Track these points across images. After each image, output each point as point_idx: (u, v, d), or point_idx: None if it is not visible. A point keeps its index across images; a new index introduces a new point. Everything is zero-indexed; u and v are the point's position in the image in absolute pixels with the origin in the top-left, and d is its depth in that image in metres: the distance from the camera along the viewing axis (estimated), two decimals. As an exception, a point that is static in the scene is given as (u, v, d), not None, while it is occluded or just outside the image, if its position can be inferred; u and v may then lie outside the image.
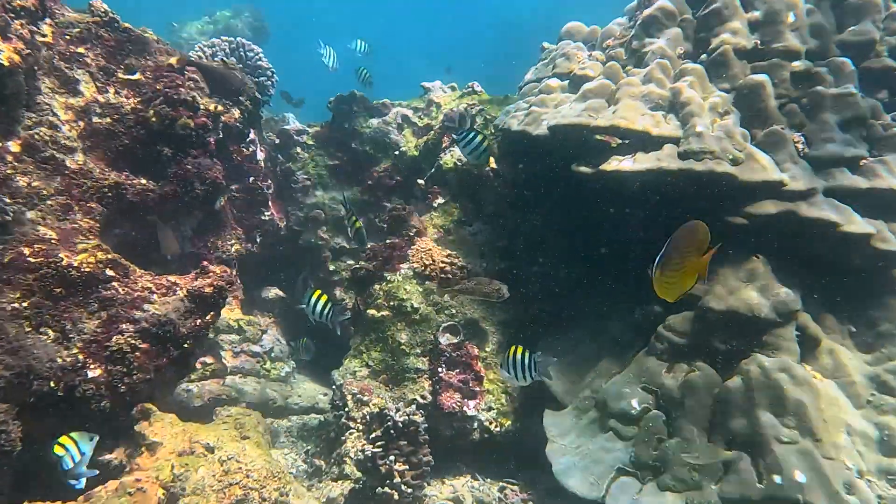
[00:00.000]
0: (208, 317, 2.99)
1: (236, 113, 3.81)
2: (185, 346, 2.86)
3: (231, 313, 4.95)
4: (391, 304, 4.34)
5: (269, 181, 5.68)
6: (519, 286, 4.55)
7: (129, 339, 2.66)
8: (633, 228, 4.20)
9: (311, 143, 5.91)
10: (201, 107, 3.60)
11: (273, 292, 5.89)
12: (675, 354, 3.50)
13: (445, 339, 4.19)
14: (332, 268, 5.83)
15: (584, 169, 3.86)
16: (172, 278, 3.04)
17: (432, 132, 5.57)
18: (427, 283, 4.45)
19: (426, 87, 6.02)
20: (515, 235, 4.80)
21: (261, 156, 5.48)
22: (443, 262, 4.50)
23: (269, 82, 5.22)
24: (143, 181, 3.43)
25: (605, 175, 3.72)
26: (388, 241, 4.63)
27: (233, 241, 4.21)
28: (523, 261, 4.68)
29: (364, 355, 4.30)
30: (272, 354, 5.47)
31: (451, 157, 5.06)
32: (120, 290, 2.74)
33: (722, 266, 3.47)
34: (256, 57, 5.04)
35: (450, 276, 4.45)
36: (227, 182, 5.19)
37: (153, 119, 3.41)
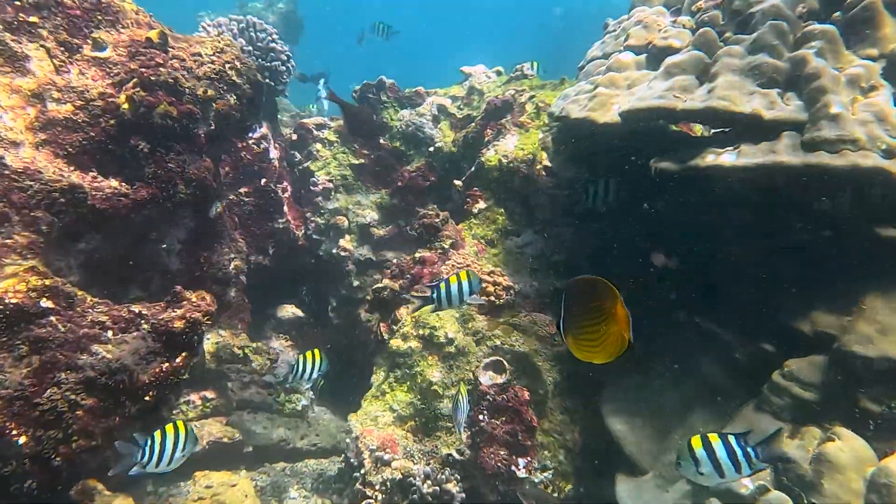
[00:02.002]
0: (178, 360, 2.37)
1: (231, 99, 3.20)
2: (147, 398, 2.24)
3: (236, 339, 4.37)
4: (421, 332, 3.65)
5: (285, 183, 5.11)
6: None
7: (67, 393, 2.06)
8: (730, 240, 3.38)
9: (332, 138, 5.30)
10: (186, 91, 3.01)
11: (289, 311, 5.31)
12: (800, 413, 2.68)
13: (488, 379, 3.47)
14: (356, 283, 5.20)
15: (667, 166, 3.07)
16: (137, 308, 2.43)
17: (473, 124, 4.87)
18: (465, 307, 3.74)
19: (467, 73, 5.33)
20: (574, 248, 4.04)
21: (274, 154, 4.91)
22: (484, 280, 3.79)
23: (284, 68, 4.64)
24: (114, 183, 2.86)
25: (696, 173, 2.94)
26: (417, 254, 3.95)
27: (232, 256, 3.62)
28: (585, 279, 3.90)
29: (388, 396, 3.62)
30: (286, 385, 4.88)
31: (496, 152, 4.35)
32: (60, 326, 2.14)
33: (869, 295, 2.62)
34: (269, 38, 4.48)
35: (493, 298, 3.73)
36: (234, 183, 4.64)
37: (126, 106, 2.84)
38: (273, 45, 4.53)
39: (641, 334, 3.68)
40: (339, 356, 5.04)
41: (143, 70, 2.88)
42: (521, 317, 3.79)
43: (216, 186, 3.30)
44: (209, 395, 4.27)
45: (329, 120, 5.31)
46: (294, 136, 5.30)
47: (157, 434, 2.05)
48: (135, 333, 2.35)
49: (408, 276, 3.87)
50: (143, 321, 2.44)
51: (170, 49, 3.07)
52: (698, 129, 4.54)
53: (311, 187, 5.25)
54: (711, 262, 3.48)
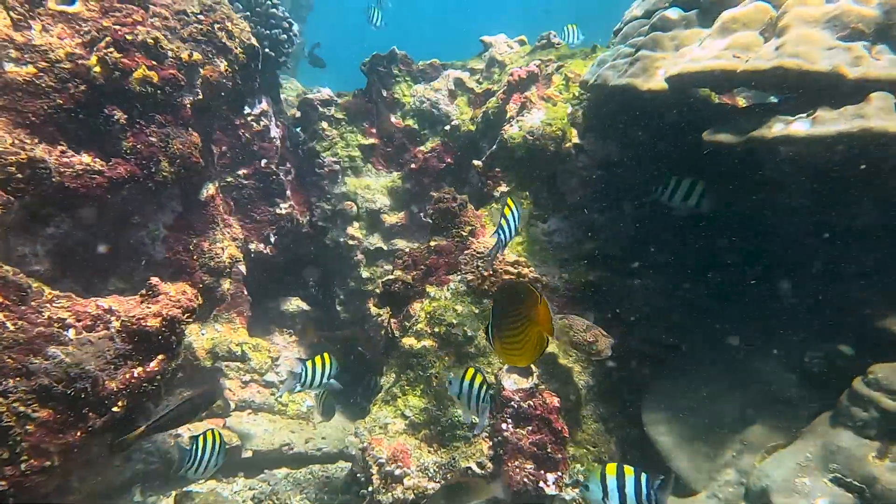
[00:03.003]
0: (153, 364, 2.05)
1: (221, 64, 2.86)
2: (116, 409, 1.92)
3: (234, 334, 4.07)
4: (436, 330, 3.31)
5: (288, 165, 4.78)
6: (615, 305, 3.43)
7: (16, 404, 1.74)
8: (796, 224, 2.99)
9: (340, 116, 4.95)
10: (169, 53, 2.68)
11: (294, 304, 5.00)
12: (889, 428, 2.29)
13: (512, 383, 3.12)
14: (365, 274, 4.87)
15: (725, 138, 2.68)
16: (107, 303, 2.12)
17: (494, 99, 4.48)
18: (486, 301, 3.39)
19: (486, 43, 4.93)
20: (609, 235, 3.66)
21: (276, 132, 4.58)
22: (507, 272, 3.43)
23: (286, 36, 4.29)
24: (86, 159, 2.55)
25: (759, 146, 2.54)
26: (432, 242, 3.60)
27: (226, 243, 3.30)
28: (621, 270, 3.54)
29: (399, 401, 3.29)
30: (279, 389, 4.57)
31: (520, 129, 3.96)
32: (8, 324, 1.83)
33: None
34: (268, 3, 4.13)
35: (518, 291, 3.36)
36: (231, 164, 4.32)
37: (98, 69, 2.51)
38: (273, 10, 4.18)
39: (686, 332, 3.31)
40: (346, 355, 4.73)
41: (117, 28, 2.55)
42: (548, 312, 3.43)
43: (205, 165, 2.97)
44: (204, 395, 3.97)
45: (336, 96, 4.96)
46: (297, 114, 4.96)
47: (200, 440, 2.32)
48: (102, 333, 2.04)
49: (422, 267, 3.52)
50: (113, 318, 2.12)
51: (150, 5, 2.74)
52: (741, 102, 4.12)
53: (317, 170, 4.92)
54: (771, 251, 3.08)
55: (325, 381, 2.74)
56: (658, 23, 3.11)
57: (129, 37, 2.56)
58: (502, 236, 2.76)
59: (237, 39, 2.98)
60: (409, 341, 3.34)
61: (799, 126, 2.42)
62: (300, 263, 5.02)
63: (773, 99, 3.14)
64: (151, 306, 2.10)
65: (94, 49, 2.53)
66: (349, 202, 4.90)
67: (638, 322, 3.37)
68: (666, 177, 3.12)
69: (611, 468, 1.94)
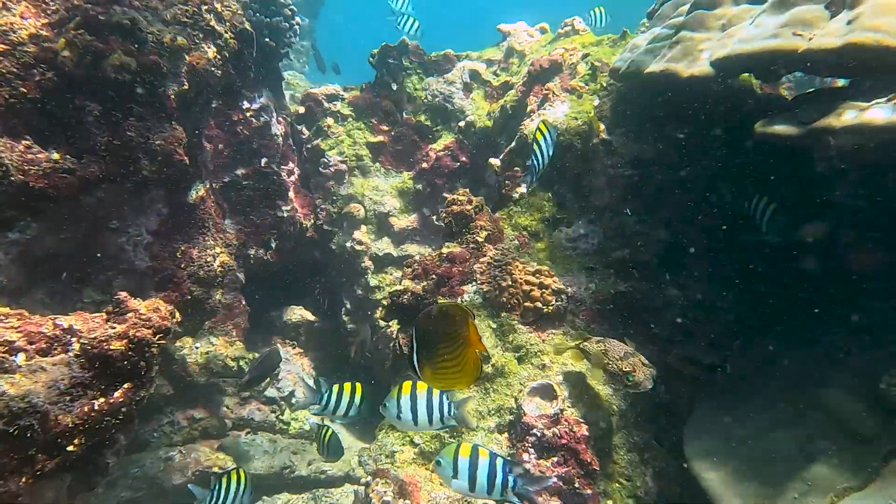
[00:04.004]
0: (117, 394, 1.78)
1: (209, 51, 2.59)
2: (72, 448, 1.65)
3: (230, 348, 3.80)
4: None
5: (290, 164, 4.51)
6: (649, 320, 3.10)
7: (-54, 444, 1.47)
8: (863, 228, 2.65)
9: (346, 111, 4.68)
10: (149, 37, 2.41)
11: (297, 314, 4.74)
12: None
13: (535, 408, 2.81)
14: (373, 282, 4.59)
15: (783, 130, 2.36)
16: (67, 321, 1.85)
17: (513, 92, 4.18)
18: (504, 315, 3.08)
19: (504, 31, 4.63)
20: (641, 241, 3.33)
21: (278, 129, 4.31)
22: (528, 282, 3.13)
23: (287, 24, 4.02)
24: (55, 156, 2.29)
25: (830, 137, 2.21)
26: (444, 249, 3.30)
27: (218, 250, 3.03)
28: (655, 280, 3.21)
29: (407, 426, 2.98)
30: (293, 401, 4.31)
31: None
32: (-59, 349, 1.55)
33: None
34: (268, -11, 3.88)
35: (540, 304, 3.06)
36: (229, 163, 4.06)
37: (67, 54, 2.25)
38: (274, -3, 3.92)
39: (731, 351, 2.97)
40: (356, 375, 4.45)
41: (90, 7, 2.29)
42: (576, 325, 3.12)
43: (193, 163, 2.70)
44: (198, 413, 3.72)
45: (342, 90, 4.69)
46: (301, 110, 4.70)
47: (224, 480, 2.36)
48: (58, 358, 1.76)
49: (433, 276, 3.22)
50: (74, 340, 1.84)
51: (129, -16, 2.48)
52: (783, 91, 3.78)
53: (322, 169, 4.65)
54: (831, 261, 2.74)
55: (350, 413, 2.46)
56: (702, 1, 2.78)
57: (102, 17, 2.30)
58: (535, 162, 2.57)
59: (227, 23, 2.72)
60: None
61: (878, 113, 2.09)
62: (303, 270, 4.75)
63: (841, 82, 2.81)
64: (116, 326, 1.82)
65: (63, 30, 2.28)
66: (356, 204, 4.62)
67: (675, 338, 3.04)
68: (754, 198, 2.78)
69: (464, 448, 1.94)
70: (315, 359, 4.76)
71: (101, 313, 1.96)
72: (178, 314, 2.15)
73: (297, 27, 4.18)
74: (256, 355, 3.90)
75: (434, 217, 4.63)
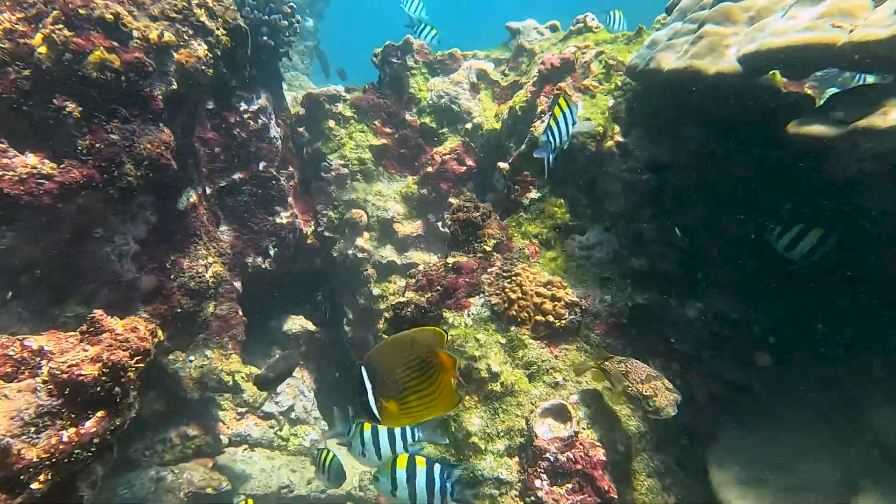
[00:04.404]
0: (90, 423, 1.62)
1: (199, 48, 2.44)
2: (36, 485, 1.49)
3: (226, 361, 3.65)
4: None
5: (290, 168, 4.36)
6: (669, 334, 2.92)
7: None
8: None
9: (349, 113, 4.53)
10: (134, 33, 2.26)
11: (297, 323, 4.58)
12: None
13: (547, 430, 2.63)
14: (376, 291, 4.42)
15: (818, 130, 2.18)
16: (38, 342, 1.70)
17: (522, 92, 4.01)
18: (514, 329, 2.91)
19: (513, 29, 4.47)
20: (660, 250, 3.15)
21: (277, 132, 4.17)
22: (539, 294, 2.95)
23: (287, 22, 3.87)
24: (32, 160, 2.14)
25: (869, 138, 2.04)
26: (450, 259, 3.13)
27: (210, 260, 2.88)
28: (676, 292, 3.03)
29: (410, 448, 2.81)
30: (292, 415, 4.15)
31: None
32: None
33: None
34: (266, -14, 3.73)
35: (552, 318, 2.89)
36: (225, 168, 3.91)
37: (43, 50, 2.11)
38: (272, -7, 3.77)
39: (760, 370, 2.78)
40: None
41: (69, 0, 2.14)
42: (590, 341, 2.94)
43: (184, 168, 2.55)
44: (191, 431, 3.56)
45: (344, 91, 4.54)
46: (301, 111, 4.55)
47: None
48: (24, 384, 1.60)
49: (438, 287, 3.05)
50: (44, 363, 1.69)
51: (113, -23, 2.33)
52: (808, 90, 3.60)
53: (323, 174, 4.49)
54: (873, 270, 2.55)
55: (411, 442, 2.28)
56: (727, -8, 2.61)
57: (82, 11, 2.16)
58: (550, 137, 2.41)
59: (220, 19, 2.57)
60: (423, 376, 2.87)
61: (928, 113, 1.90)
62: (304, 278, 4.59)
63: (872, 79, 2.63)
64: (90, 348, 1.66)
65: (40, 25, 2.13)
66: (358, 210, 4.47)
67: (699, 355, 2.85)
68: (781, 219, 2.60)
69: (401, 460, 1.92)
70: (316, 370, 4.61)
71: (76, 333, 1.81)
72: (160, 333, 1.99)
73: (296, 25, 4.04)
74: (254, 370, 3.75)
75: (439, 223, 4.47)
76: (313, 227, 4.51)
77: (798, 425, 2.46)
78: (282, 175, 4.22)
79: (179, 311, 2.75)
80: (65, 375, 1.61)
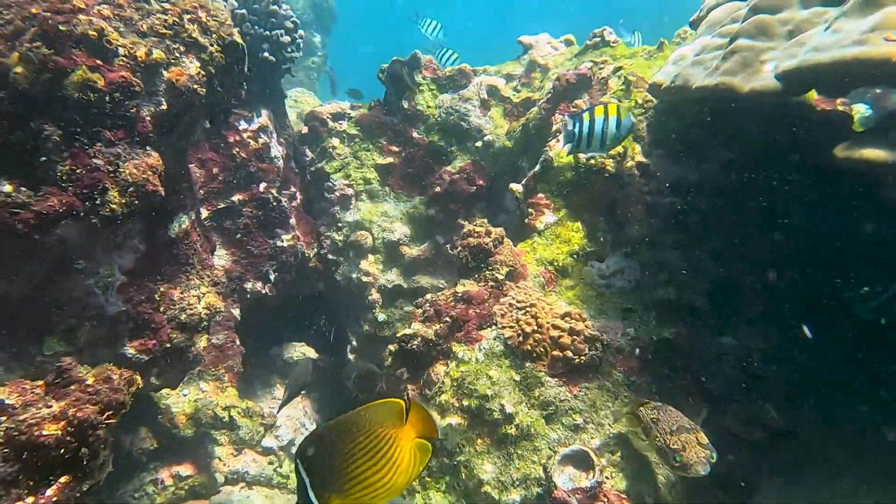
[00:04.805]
0: (51, 491, 1.45)
1: (192, 66, 2.28)
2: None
3: (222, 395, 3.45)
4: (465, 403, 2.63)
5: (292, 188, 4.20)
6: (699, 372, 2.71)
7: None
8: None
9: (353, 131, 4.37)
10: (120, 50, 2.10)
11: (299, 351, 4.38)
12: None
13: (567, 480, 2.42)
14: (381, 317, 4.23)
15: (873, 155, 1.98)
16: (1, 393, 1.50)
17: (535, 109, 3.84)
18: (529, 365, 2.70)
19: (526, 44, 4.31)
20: (687, 278, 2.94)
21: (278, 151, 4.01)
22: (556, 326, 2.75)
23: (289, 38, 3.73)
24: (7, 188, 1.98)
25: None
26: (459, 288, 2.93)
27: (204, 290, 2.70)
28: (706, 325, 2.82)
29: (419, 497, 2.61)
30: (293, 450, 3.93)
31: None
32: None
33: None
34: (269, 0, 3.59)
35: (570, 353, 2.68)
36: (224, 189, 3.75)
37: (19, 70, 1.95)
38: (274, 7, 3.62)
39: (803, 413, 2.56)
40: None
41: (49, 16, 1.99)
42: (613, 378, 2.73)
43: (177, 193, 2.38)
44: (184, 470, 3.36)
45: (349, 108, 4.38)
46: (304, 129, 4.39)
47: None
48: (-23, 445, 1.41)
49: (446, 319, 2.85)
50: (5, 419, 1.50)
51: (98, -10, 2.18)
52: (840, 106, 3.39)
53: (326, 194, 4.33)
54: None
55: None
56: (762, 3, 2.42)
57: (63, 27, 2.00)
58: (573, 126, 2.50)
59: (214, 35, 2.41)
60: (431, 418, 2.66)
61: None
62: (306, 303, 4.41)
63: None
64: (53, 404, 1.48)
65: (17, 43, 1.98)
66: (363, 232, 4.29)
67: (732, 396, 2.63)
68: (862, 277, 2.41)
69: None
70: (318, 400, 4.40)
71: (42, 381, 1.62)
72: (139, 379, 1.80)
73: (300, 41, 3.89)
74: (251, 404, 3.56)
75: (448, 246, 4.28)
76: (316, 250, 4.34)
77: (848, 480, 2.23)
78: (283, 196, 4.06)
79: (169, 346, 2.56)
80: (23, 437, 1.42)
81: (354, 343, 4.35)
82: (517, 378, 2.70)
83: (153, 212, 2.45)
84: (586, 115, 2.49)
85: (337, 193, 4.31)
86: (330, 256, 4.34)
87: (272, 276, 3.96)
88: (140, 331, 2.50)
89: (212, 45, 2.40)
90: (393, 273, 4.31)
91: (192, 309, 2.65)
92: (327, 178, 4.32)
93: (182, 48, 2.32)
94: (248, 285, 3.86)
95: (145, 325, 2.52)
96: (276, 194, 3.95)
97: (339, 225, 4.34)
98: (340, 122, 4.35)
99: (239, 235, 3.83)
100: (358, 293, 4.30)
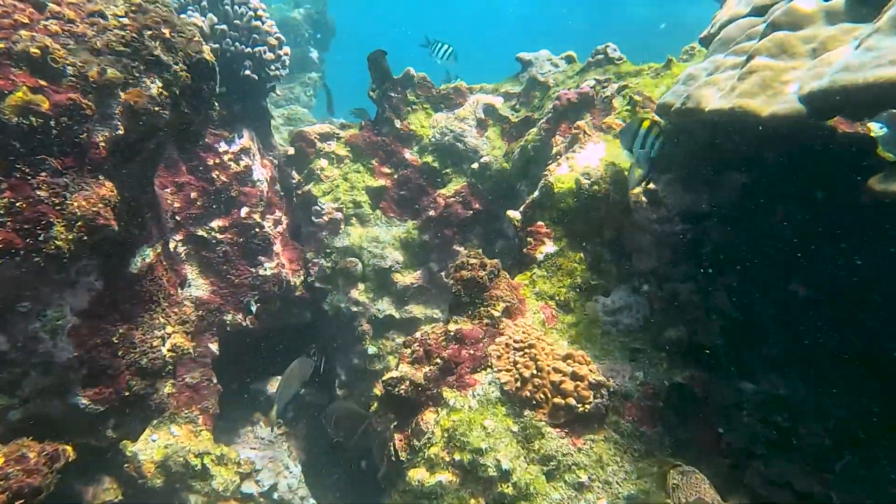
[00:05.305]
0: None
1: (153, 86, 2.07)
2: None
3: (195, 440, 3.20)
4: (457, 457, 2.38)
5: (277, 213, 3.98)
6: (717, 423, 2.45)
7: None
8: None
9: (343, 152, 4.17)
10: (68, 70, 1.90)
11: (282, 385, 4.13)
12: None
13: (569, 549, 2.15)
14: (372, 350, 3.99)
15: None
16: None
17: (535, 130, 3.63)
18: (528, 413, 2.46)
19: (525, 61, 4.11)
20: (700, 316, 2.70)
21: (262, 174, 3.80)
22: (558, 370, 2.51)
23: (273, 55, 3.53)
24: (-66, 224, 1.75)
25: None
26: (451, 325, 2.70)
27: (171, 329, 2.47)
28: (723, 369, 2.57)
29: (402, 564, 2.34)
30: (275, 496, 3.67)
31: (571, 170, 3.08)
32: None
33: None
34: (251, 15, 3.40)
35: (573, 401, 2.43)
36: (202, 215, 3.53)
37: (-51, 94, 1.73)
38: (257, 23, 3.43)
39: (840, 472, 2.28)
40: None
41: (-16, 33, 1.78)
42: (621, 429, 2.48)
43: (110, 226, 2.14)
44: (154, 521, 3.09)
45: (339, 128, 4.18)
46: (290, 151, 4.19)
47: None
48: None
49: (437, 360, 2.61)
50: None
51: (48, 2, 1.97)
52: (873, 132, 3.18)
53: (314, 218, 4.11)
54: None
55: None
56: (782, 19, 2.21)
57: (1, 44, 1.79)
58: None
59: (180, 52, 2.20)
60: (417, 473, 2.41)
61: None
62: (292, 334, 4.17)
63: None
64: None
65: (-54, 63, 1.77)
66: (353, 258, 4.06)
67: (754, 451, 2.37)
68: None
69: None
70: (305, 438, 4.14)
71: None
72: (70, 450, 1.57)
73: (285, 58, 3.70)
74: (226, 450, 3.31)
75: (443, 273, 4.05)
76: (303, 278, 4.11)
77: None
78: (267, 221, 3.84)
79: (128, 394, 2.33)
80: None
81: (343, 377, 4.11)
82: (515, 428, 2.45)
83: (111, 246, 2.22)
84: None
85: (325, 218, 4.09)
86: (318, 284, 4.11)
87: (254, 307, 3.72)
88: (95, 378, 2.27)
89: (176, 63, 2.19)
90: (384, 302, 4.07)
91: (154, 352, 2.41)
92: (315, 202, 4.11)
93: (142, 67, 2.11)
94: (228, 317, 3.63)
95: (101, 372, 2.28)
96: (258, 219, 3.73)
97: (328, 251, 4.12)
98: (329, 142, 4.15)
99: (218, 264, 3.61)
100: (347, 323, 4.07)
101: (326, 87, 9.08)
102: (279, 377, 4.20)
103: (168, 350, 2.47)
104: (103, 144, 2.05)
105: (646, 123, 2.42)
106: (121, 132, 2.09)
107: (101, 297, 2.29)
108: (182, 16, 2.33)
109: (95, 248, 2.15)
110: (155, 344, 2.42)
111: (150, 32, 2.13)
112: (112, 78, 2.00)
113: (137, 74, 2.09)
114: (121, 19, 2.10)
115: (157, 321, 2.48)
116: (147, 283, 2.46)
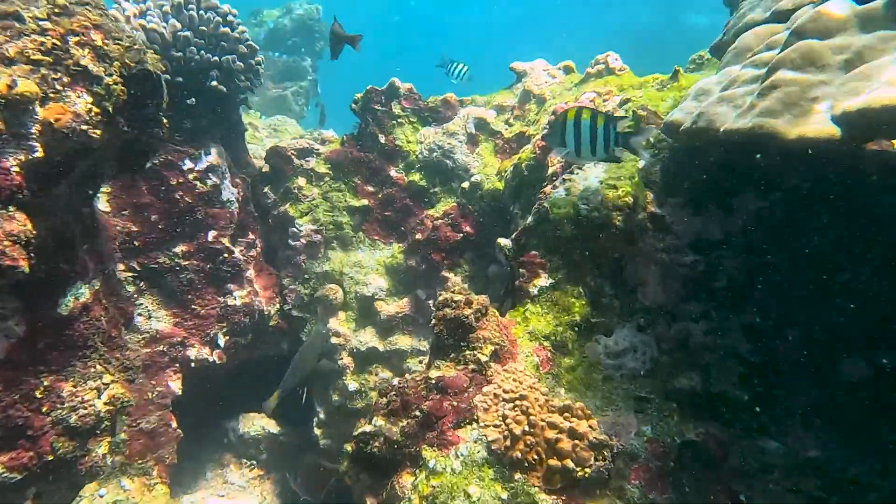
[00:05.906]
0: None
1: (80, 103, 1.79)
2: None
3: (148, 496, 2.88)
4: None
5: (251, 235, 3.68)
6: (739, 488, 2.14)
7: None
8: None
9: (323, 169, 3.88)
10: (-33, 85, 1.60)
11: (256, 425, 3.83)
12: None
13: None
14: (353, 385, 3.68)
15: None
16: None
17: (530, 147, 3.34)
18: (519, 477, 2.14)
19: (519, 71, 3.84)
20: (716, 360, 2.40)
21: (232, 194, 3.51)
22: (553, 425, 2.20)
23: (243, 64, 3.25)
24: None
25: None
26: (433, 372, 2.39)
27: (108, 379, 2.17)
28: (743, 424, 2.26)
29: None
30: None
31: (568, 192, 2.79)
32: None
33: None
34: (218, 20, 3.12)
35: (571, 463, 2.12)
36: (163, 239, 3.24)
37: None
38: (225, 29, 3.15)
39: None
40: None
41: None
42: (626, 495, 2.16)
43: (52, 259, 1.85)
44: (100, 587, 2.77)
45: (318, 143, 3.90)
46: (265, 168, 3.90)
47: None
48: None
49: (416, 413, 2.30)
50: None
51: (-50, 7, 1.69)
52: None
53: (291, 241, 3.81)
54: None
55: None
56: (808, 26, 1.92)
57: None
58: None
59: (115, 62, 1.91)
60: (391, 548, 2.10)
61: None
62: (266, 367, 3.86)
63: None
64: None
65: None
66: (333, 285, 3.76)
67: (782, 523, 2.06)
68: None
69: (571, 113, 2.06)
70: (279, 482, 3.82)
71: None
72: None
73: (257, 67, 3.42)
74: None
75: (431, 301, 3.75)
76: (278, 306, 3.81)
77: None
78: (238, 245, 3.55)
79: (52, 458, 2.02)
80: None
81: (322, 416, 3.79)
82: (504, 496, 2.13)
83: (33, 287, 1.93)
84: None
85: (303, 240, 3.80)
86: (294, 313, 3.81)
87: (221, 341, 3.42)
88: (11, 441, 1.96)
89: (111, 75, 1.91)
90: (367, 333, 3.77)
91: (86, 407, 2.11)
92: (292, 223, 3.81)
93: (66, 79, 1.82)
94: (193, 352, 3.33)
95: (19, 433, 1.98)
96: (227, 244, 3.44)
97: (306, 277, 3.82)
98: (307, 158, 3.86)
99: (182, 293, 3.31)
100: (327, 356, 3.76)
101: (321, 104, 8.85)
102: (253, 413, 3.91)
103: (105, 403, 2.16)
104: (16, 170, 1.76)
105: (571, 113, 2.24)
106: (39, 154, 1.80)
107: (21, 345, 1.99)
108: (119, 18, 2.04)
109: (12, 291, 1.86)
110: (88, 397, 2.12)
111: (75, 39, 1.84)
112: (26, 92, 1.72)
113: (60, 88, 1.81)
114: (41, 23, 1.81)
115: (93, 370, 2.17)
116: (81, 325, 2.16)
